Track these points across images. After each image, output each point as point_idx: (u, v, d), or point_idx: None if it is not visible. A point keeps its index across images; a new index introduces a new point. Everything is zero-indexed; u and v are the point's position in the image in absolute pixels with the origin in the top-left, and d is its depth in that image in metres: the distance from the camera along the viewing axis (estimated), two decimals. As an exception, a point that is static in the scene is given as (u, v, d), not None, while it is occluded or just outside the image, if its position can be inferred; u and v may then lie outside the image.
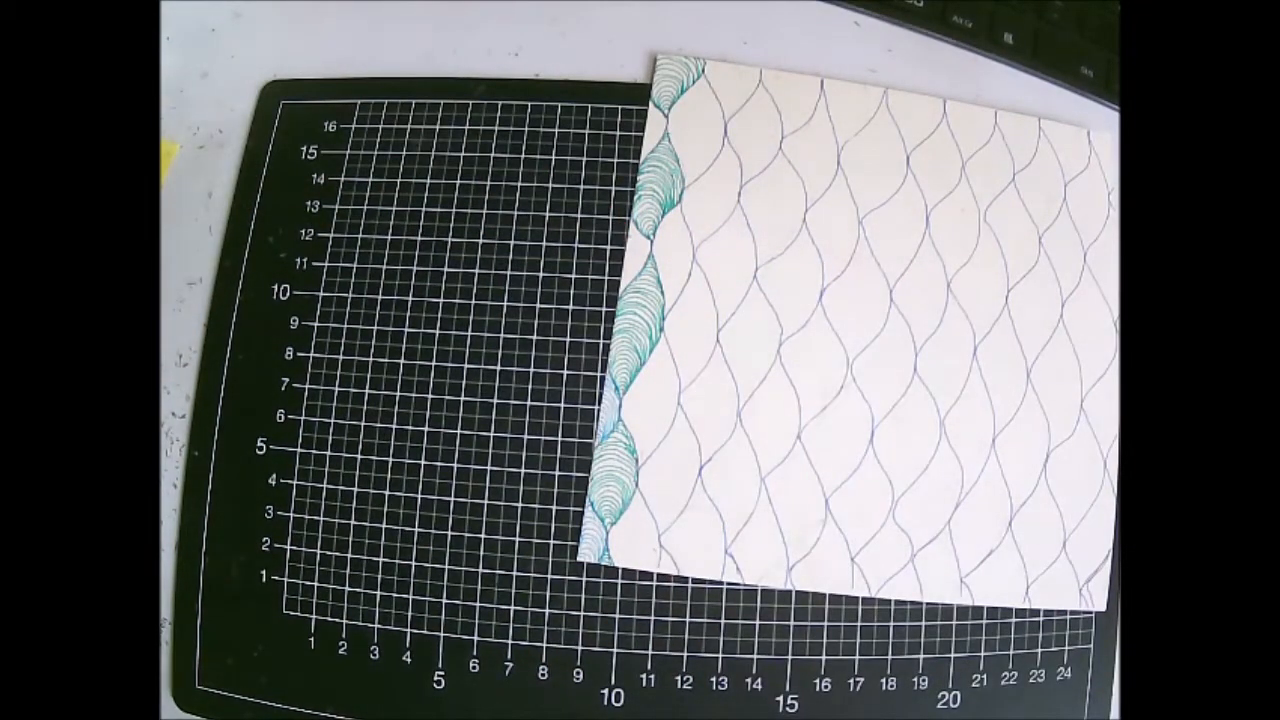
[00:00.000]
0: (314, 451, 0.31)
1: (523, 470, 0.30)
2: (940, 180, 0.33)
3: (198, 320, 0.32)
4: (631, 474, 0.30)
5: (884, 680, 0.29)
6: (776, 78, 0.34)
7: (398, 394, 0.31)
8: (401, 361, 0.31)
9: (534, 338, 0.31)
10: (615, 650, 0.30)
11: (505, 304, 0.31)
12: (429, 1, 0.35)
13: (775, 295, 0.32)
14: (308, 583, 0.30)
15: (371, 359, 0.31)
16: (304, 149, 0.33)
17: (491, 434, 0.31)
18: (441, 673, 0.30)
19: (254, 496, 0.31)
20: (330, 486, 0.30)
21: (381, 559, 0.30)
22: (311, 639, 0.30)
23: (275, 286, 0.32)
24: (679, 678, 0.29)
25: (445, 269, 0.32)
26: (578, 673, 0.30)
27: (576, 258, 0.32)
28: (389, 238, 0.32)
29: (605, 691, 0.29)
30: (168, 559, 0.31)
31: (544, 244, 0.32)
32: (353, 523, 0.30)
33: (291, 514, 0.30)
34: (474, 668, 0.30)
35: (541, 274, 0.32)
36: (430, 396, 0.31)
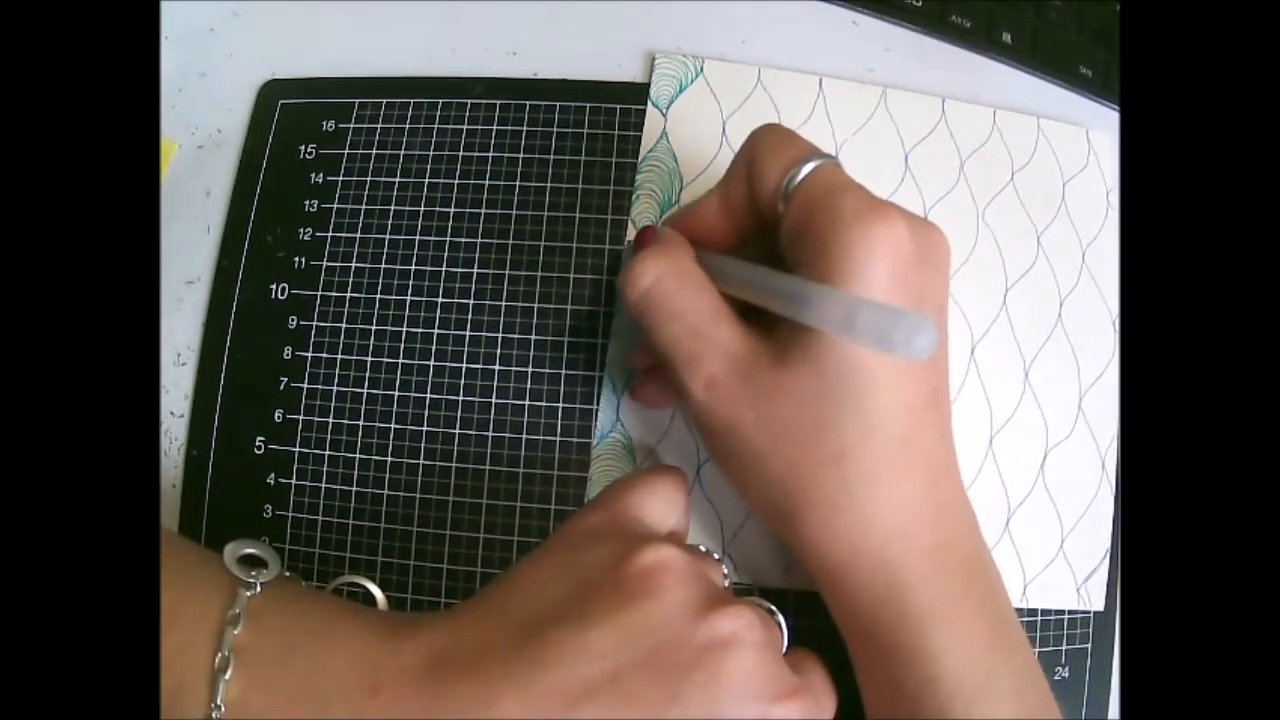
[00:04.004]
0: (312, 451, 0.31)
1: (521, 470, 0.30)
2: (938, 179, 0.33)
3: (196, 319, 0.32)
4: (630, 473, 0.30)
5: (882, 680, 0.29)
6: (775, 77, 0.34)
7: (396, 393, 0.31)
8: (400, 361, 0.31)
9: (532, 337, 0.31)
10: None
11: (504, 303, 0.31)
12: (427, 1, 0.35)
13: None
14: (305, 581, 0.30)
15: (370, 358, 0.31)
16: (302, 148, 0.33)
17: (490, 434, 0.31)
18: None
19: (252, 496, 0.31)
20: (329, 486, 0.30)
21: (380, 559, 0.30)
22: (310, 638, 0.30)
23: (274, 286, 0.32)
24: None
25: (444, 268, 0.32)
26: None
27: (575, 257, 0.32)
28: (387, 237, 0.32)
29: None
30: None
31: (542, 243, 0.32)
32: (351, 522, 0.30)
33: (290, 513, 0.30)
34: (472, 667, 0.30)
35: (540, 273, 0.32)
36: (429, 396, 0.31)
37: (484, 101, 0.33)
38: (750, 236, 0.26)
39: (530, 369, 0.31)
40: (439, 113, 0.33)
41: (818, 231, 0.22)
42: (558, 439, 0.31)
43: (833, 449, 0.22)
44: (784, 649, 0.26)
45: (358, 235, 0.32)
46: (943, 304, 0.24)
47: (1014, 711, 0.23)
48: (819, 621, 0.26)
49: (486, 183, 0.33)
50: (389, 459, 0.31)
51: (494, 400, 0.31)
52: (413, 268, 0.32)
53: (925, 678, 0.23)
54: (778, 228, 0.24)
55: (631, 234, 0.32)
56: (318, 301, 0.32)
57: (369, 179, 0.33)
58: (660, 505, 0.25)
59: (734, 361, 0.23)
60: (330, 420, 0.31)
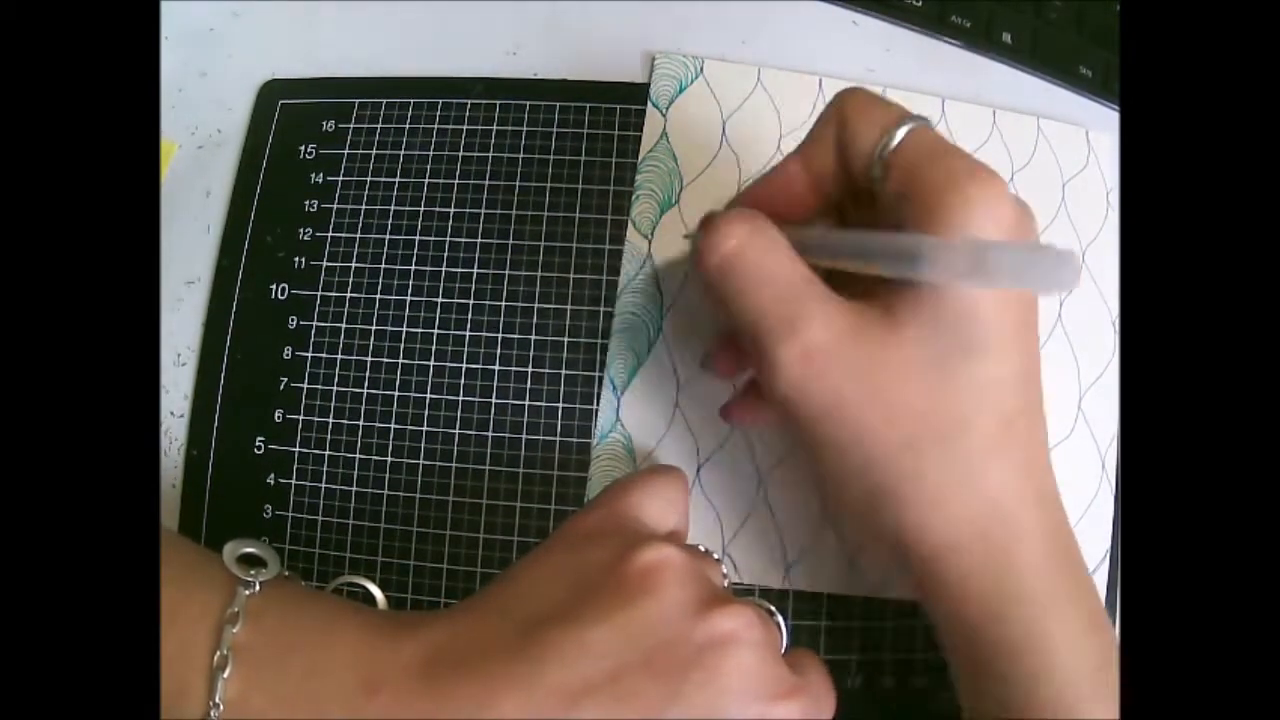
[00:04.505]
0: (312, 451, 0.31)
1: (521, 470, 0.30)
2: (939, 180, 0.33)
3: (196, 319, 0.32)
4: (629, 473, 0.30)
5: (882, 679, 0.29)
6: (775, 77, 0.34)
7: (396, 394, 0.31)
8: (400, 361, 0.31)
9: (532, 337, 0.31)
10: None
11: (503, 303, 0.31)
12: (427, 1, 0.35)
13: (773, 295, 0.32)
14: (304, 582, 0.30)
15: (370, 359, 0.31)
16: (302, 148, 0.33)
17: (490, 434, 0.31)
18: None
19: (252, 496, 0.31)
20: (328, 486, 0.30)
21: (380, 559, 0.30)
22: (310, 638, 0.30)
23: (274, 286, 0.32)
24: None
25: (444, 268, 0.32)
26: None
27: (575, 257, 0.32)
28: (387, 237, 0.32)
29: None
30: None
31: (542, 243, 0.32)
32: (350, 522, 0.30)
33: (290, 514, 0.30)
34: (472, 667, 0.30)
35: (540, 273, 0.32)
36: (429, 396, 0.31)
37: (484, 101, 0.33)
38: (830, 205, 0.25)
39: (530, 369, 0.31)
40: (439, 113, 0.33)
41: (926, 194, 0.21)
42: (558, 439, 0.31)
43: (947, 421, 0.22)
44: (784, 649, 0.26)
45: (358, 235, 0.32)
46: None
47: (1113, 692, 0.22)
48: (819, 622, 0.26)
49: (486, 183, 0.33)
50: (389, 459, 0.31)
51: (494, 400, 0.31)
52: (413, 268, 0.32)
53: (1039, 669, 0.22)
54: (864, 193, 0.24)
55: (631, 233, 0.32)
56: (318, 301, 0.32)
57: (369, 179, 0.33)
58: (659, 505, 0.25)
59: (835, 330, 0.22)
60: (330, 420, 0.31)
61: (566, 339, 0.31)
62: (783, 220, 0.24)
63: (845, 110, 0.24)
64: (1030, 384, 0.23)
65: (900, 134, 0.23)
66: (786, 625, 0.27)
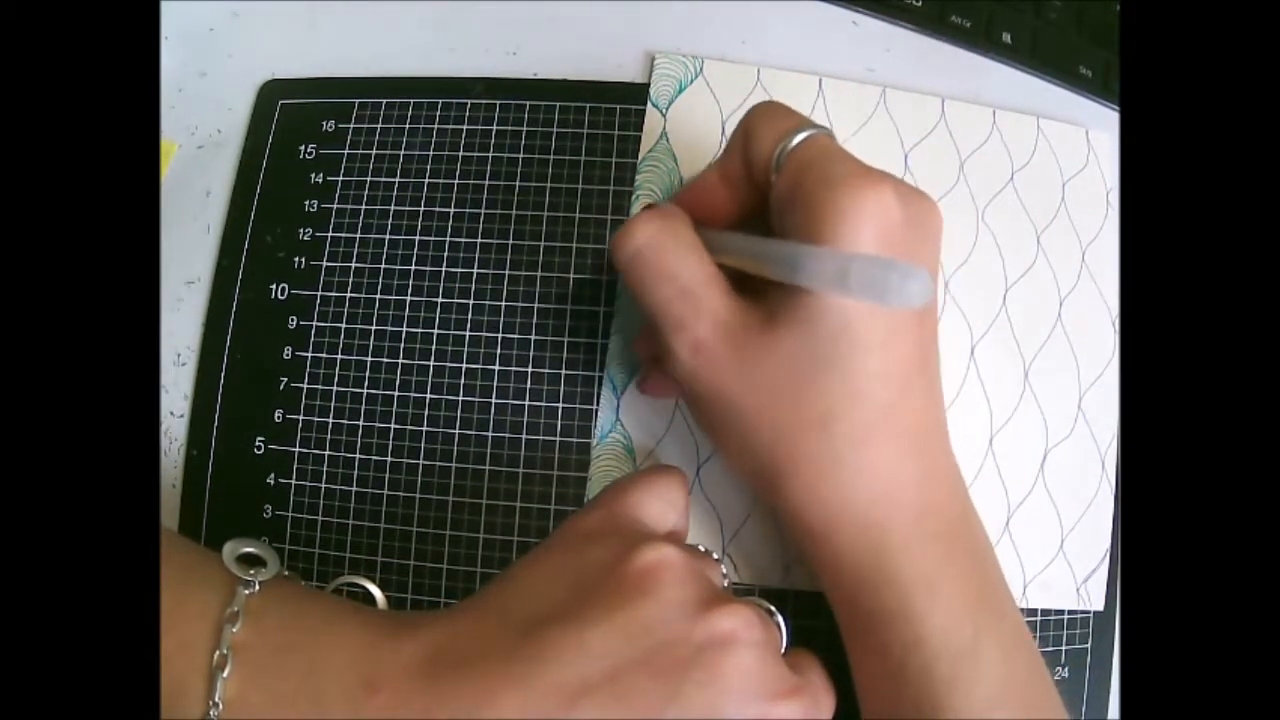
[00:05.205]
0: (312, 451, 0.31)
1: (521, 470, 0.30)
2: (938, 179, 0.33)
3: (196, 319, 0.32)
4: (629, 473, 0.30)
5: (882, 680, 0.29)
6: (774, 76, 0.34)
7: (396, 394, 0.31)
8: (400, 361, 0.31)
9: (532, 337, 0.31)
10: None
11: (503, 303, 0.31)
12: (427, 1, 0.35)
13: (773, 295, 0.32)
14: (304, 582, 0.30)
15: (370, 358, 0.31)
16: (302, 148, 0.33)
17: (490, 434, 0.31)
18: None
19: (252, 496, 0.31)
20: (328, 486, 0.30)
21: (380, 559, 0.30)
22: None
23: (273, 286, 0.32)
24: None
25: (444, 268, 0.32)
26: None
27: (575, 257, 0.32)
28: (387, 237, 0.32)
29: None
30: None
31: (542, 243, 0.32)
32: (350, 522, 0.30)
33: (290, 514, 0.30)
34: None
35: (539, 273, 0.32)
36: (429, 396, 0.31)
37: (484, 101, 0.33)
38: (749, 211, 0.26)
39: (530, 369, 0.31)
40: (439, 113, 0.33)
41: (806, 197, 0.22)
42: (558, 439, 0.31)
43: (818, 412, 0.23)
44: (784, 649, 0.26)
45: (358, 235, 0.32)
46: (933, 269, 0.24)
47: (1003, 673, 0.23)
48: (819, 621, 0.26)
49: (486, 183, 0.33)
50: (389, 459, 0.31)
51: (494, 400, 0.31)
52: (413, 268, 0.32)
53: (910, 640, 0.23)
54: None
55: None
56: (318, 301, 0.32)
57: (369, 179, 0.33)
58: (659, 505, 0.25)
59: (722, 326, 0.23)
60: (330, 420, 0.31)
61: (566, 339, 0.31)
62: (705, 223, 0.26)
63: (751, 119, 0.25)
64: (917, 371, 0.24)
65: (795, 140, 0.23)
66: (786, 625, 0.27)
